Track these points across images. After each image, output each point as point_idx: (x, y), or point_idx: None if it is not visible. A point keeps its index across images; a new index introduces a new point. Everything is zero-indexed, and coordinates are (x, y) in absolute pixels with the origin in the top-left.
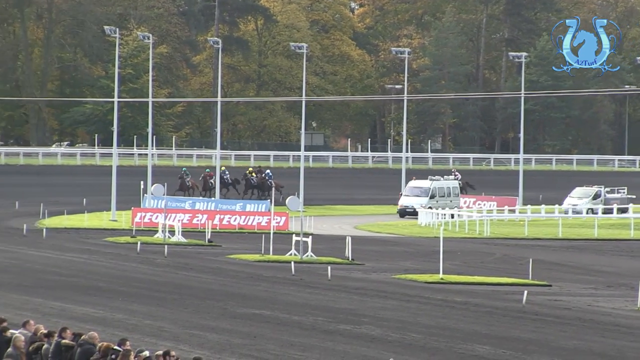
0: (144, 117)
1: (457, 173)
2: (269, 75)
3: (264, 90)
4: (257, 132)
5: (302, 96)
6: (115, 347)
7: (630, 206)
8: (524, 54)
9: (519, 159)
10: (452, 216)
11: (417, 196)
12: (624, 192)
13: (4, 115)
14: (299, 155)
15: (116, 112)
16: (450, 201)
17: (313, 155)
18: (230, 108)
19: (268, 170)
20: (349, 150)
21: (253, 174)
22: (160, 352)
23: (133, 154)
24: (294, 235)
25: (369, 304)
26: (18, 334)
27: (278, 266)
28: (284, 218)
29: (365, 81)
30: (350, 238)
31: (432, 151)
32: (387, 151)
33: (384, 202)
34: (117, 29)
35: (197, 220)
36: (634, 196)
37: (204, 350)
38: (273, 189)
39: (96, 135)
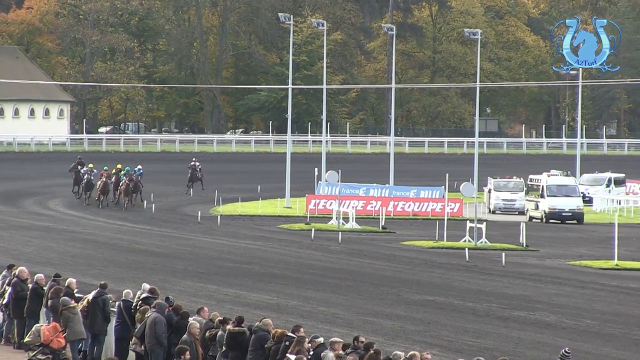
0: (318, 104)
1: (197, 162)
2: (443, 61)
3: (438, 77)
4: (431, 118)
5: (476, 82)
6: (290, 334)
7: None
8: None
9: None
10: (627, 202)
11: (568, 196)
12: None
13: (179, 102)
14: (473, 142)
15: (290, 99)
16: None
17: (487, 142)
18: (405, 94)
19: (139, 167)
20: (523, 136)
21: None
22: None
23: (307, 141)
24: (468, 221)
25: (543, 290)
26: (193, 321)
27: (452, 253)
28: (458, 204)
29: (540, 67)
30: (524, 224)
31: (607, 137)
32: (561, 137)
33: None
34: (292, 16)
35: (371, 207)
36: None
37: (378, 336)
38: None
39: (270, 122)
